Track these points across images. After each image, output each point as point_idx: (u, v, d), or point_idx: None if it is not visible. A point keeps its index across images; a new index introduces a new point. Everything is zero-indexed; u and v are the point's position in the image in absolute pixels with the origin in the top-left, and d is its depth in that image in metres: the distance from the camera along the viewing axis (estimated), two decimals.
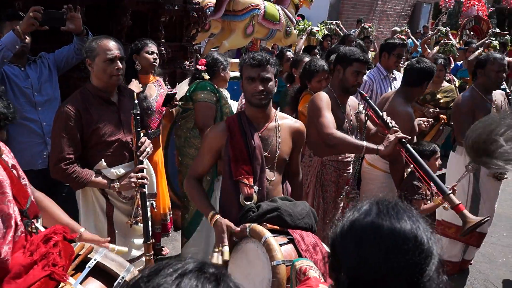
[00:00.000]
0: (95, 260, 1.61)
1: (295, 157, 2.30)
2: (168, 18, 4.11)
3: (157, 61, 3.13)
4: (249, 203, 2.01)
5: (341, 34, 7.91)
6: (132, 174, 2.28)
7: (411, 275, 0.88)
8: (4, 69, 2.55)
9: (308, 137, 2.81)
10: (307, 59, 3.84)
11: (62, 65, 2.84)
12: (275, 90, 2.13)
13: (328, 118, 2.65)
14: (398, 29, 9.44)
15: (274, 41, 6.70)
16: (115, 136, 2.31)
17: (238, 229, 1.92)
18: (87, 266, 1.59)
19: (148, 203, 2.39)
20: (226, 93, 3.42)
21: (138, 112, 2.27)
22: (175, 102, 3.16)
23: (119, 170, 2.30)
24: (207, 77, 3.14)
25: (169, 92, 3.09)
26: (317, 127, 2.67)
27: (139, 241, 2.42)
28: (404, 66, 3.65)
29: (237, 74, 2.39)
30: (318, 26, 6.68)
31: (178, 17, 4.34)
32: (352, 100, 3.00)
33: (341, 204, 2.98)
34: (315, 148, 2.91)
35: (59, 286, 1.50)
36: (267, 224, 1.92)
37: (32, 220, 1.66)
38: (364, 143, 2.53)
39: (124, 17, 3.66)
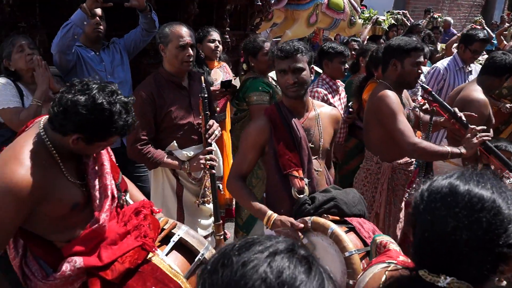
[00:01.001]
0: (178, 235, 1.69)
1: (331, 146, 2.22)
2: (233, 6, 4.12)
3: (219, 48, 3.18)
4: (302, 196, 1.95)
5: (408, 24, 7.54)
6: (201, 156, 2.33)
7: (484, 238, 0.85)
8: (81, 53, 2.73)
9: (369, 141, 2.70)
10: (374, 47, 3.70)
11: (131, 48, 2.96)
12: (312, 77, 2.04)
13: (406, 125, 2.42)
14: (449, 18, 8.60)
15: (338, 31, 6.53)
16: (186, 119, 2.38)
17: (301, 224, 1.85)
18: (171, 240, 1.69)
19: None
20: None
21: (206, 95, 2.30)
22: (230, 89, 3.15)
23: (190, 152, 2.37)
24: (245, 67, 3.10)
25: (223, 80, 3.10)
26: (393, 134, 2.44)
27: (205, 221, 2.49)
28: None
29: None
30: (384, 15, 6.38)
31: (243, 6, 4.35)
32: (405, 93, 2.80)
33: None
34: (382, 153, 2.63)
35: (148, 256, 1.59)
36: (329, 216, 1.86)
37: (123, 193, 1.77)
38: (448, 148, 2.37)
39: (191, 5, 3.73)
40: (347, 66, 3.51)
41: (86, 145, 1.47)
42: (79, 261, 1.48)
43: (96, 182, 1.59)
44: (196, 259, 1.69)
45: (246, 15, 4.49)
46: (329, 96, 3.37)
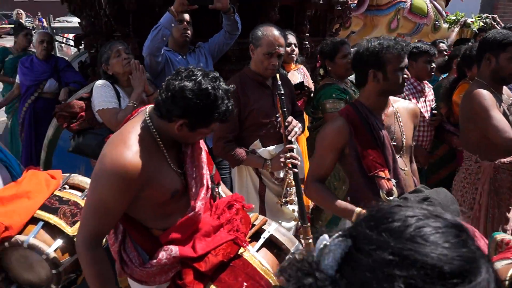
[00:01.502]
0: (269, 232, 1.66)
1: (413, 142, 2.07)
2: (313, 12, 4.08)
3: (295, 51, 3.14)
4: (391, 198, 1.82)
5: (498, 28, 6.95)
6: (282, 154, 2.29)
7: None
8: (169, 56, 2.85)
9: (467, 140, 2.51)
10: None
11: (215, 52, 3.03)
12: None
13: (501, 120, 2.26)
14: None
15: (420, 37, 6.20)
16: (269, 118, 2.38)
17: None
18: (262, 236, 1.65)
19: None
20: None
21: (282, 92, 2.27)
22: (305, 91, 3.06)
23: (272, 150, 2.35)
24: (321, 72, 2.97)
25: (295, 83, 3.03)
26: (488, 132, 2.29)
27: (287, 224, 2.43)
28: None
29: None
30: (472, 17, 5.95)
31: (322, 11, 4.29)
32: (505, 90, 2.55)
33: None
34: (481, 152, 2.46)
35: (239, 251, 1.58)
36: None
37: (216, 185, 1.79)
38: None
39: (272, 11, 3.75)
40: (433, 65, 3.29)
41: (189, 131, 1.49)
42: (175, 250, 1.49)
43: (193, 170, 1.60)
44: (286, 258, 1.63)
45: (325, 21, 4.43)
46: (410, 97, 3.18)
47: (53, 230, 1.76)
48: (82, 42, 4.23)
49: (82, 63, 4.49)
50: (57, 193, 1.93)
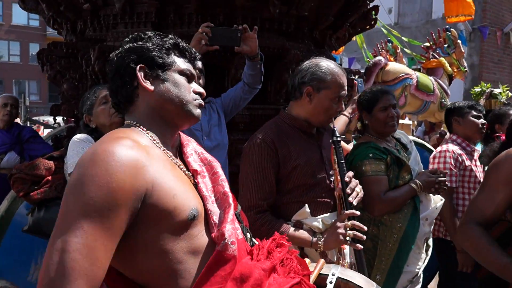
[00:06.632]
0: (333, 274, 1.23)
1: None
2: None
3: None
4: None
5: None
6: (339, 224, 1.59)
7: None
8: None
9: None
10: None
11: (229, 108, 2.45)
12: None
13: None
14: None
15: (427, 116, 5.91)
16: (319, 176, 1.73)
17: None
18: (328, 282, 1.22)
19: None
20: (402, 137, 2.47)
21: (339, 139, 1.70)
22: None
23: (327, 219, 1.66)
24: (359, 126, 2.38)
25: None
26: None
27: None
28: None
29: None
30: (500, 88, 5.75)
31: None
32: None
33: None
34: None
35: None
36: None
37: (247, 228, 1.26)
38: None
39: (286, 73, 3.30)
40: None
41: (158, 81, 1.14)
42: None
43: (209, 187, 1.14)
44: None
45: None
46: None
47: None
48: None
49: (56, 136, 3.84)
50: None
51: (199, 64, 2.27)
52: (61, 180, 1.94)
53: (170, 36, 1.17)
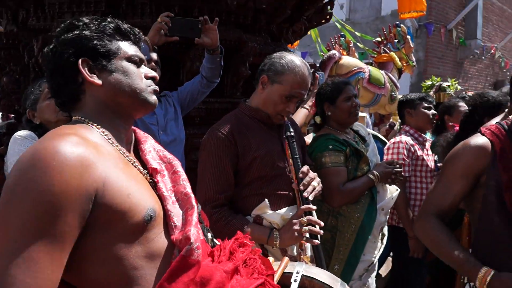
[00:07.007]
0: (298, 272, 1.21)
1: None
2: None
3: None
4: None
5: None
6: (295, 220, 1.57)
7: None
8: None
9: None
10: (461, 103, 3.14)
11: (186, 102, 2.38)
12: None
13: None
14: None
15: (378, 107, 6.09)
16: (280, 168, 1.71)
17: None
18: (292, 280, 1.20)
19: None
20: (361, 129, 2.48)
21: (292, 134, 1.67)
22: None
23: (285, 214, 1.63)
24: (318, 120, 2.39)
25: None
26: None
27: None
28: None
29: None
30: (449, 81, 6.01)
31: None
32: None
33: None
34: None
35: None
36: None
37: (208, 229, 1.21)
38: None
39: (243, 67, 3.24)
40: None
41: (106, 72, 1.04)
42: None
43: (169, 186, 1.06)
44: None
45: None
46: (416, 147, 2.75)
47: None
48: None
49: None
50: None
51: (155, 56, 2.18)
52: (2, 181, 1.78)
53: (108, 19, 1.05)
